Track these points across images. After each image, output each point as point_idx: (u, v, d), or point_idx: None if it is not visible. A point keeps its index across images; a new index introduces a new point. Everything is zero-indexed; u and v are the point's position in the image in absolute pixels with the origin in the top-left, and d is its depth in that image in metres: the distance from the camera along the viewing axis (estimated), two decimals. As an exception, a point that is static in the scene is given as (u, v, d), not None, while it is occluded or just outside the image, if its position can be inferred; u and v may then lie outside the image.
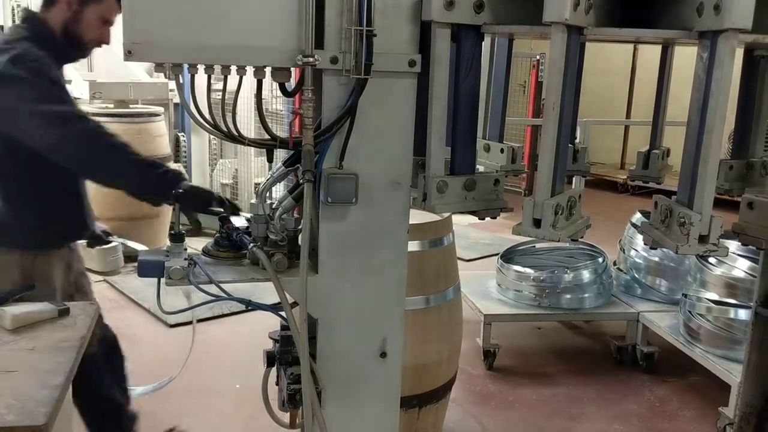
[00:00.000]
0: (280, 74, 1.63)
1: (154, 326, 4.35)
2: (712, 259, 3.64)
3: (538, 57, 8.06)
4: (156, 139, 5.78)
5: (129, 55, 1.50)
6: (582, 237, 1.59)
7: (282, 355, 1.74)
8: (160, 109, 5.83)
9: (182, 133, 6.74)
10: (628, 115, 10.18)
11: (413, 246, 2.73)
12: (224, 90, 1.69)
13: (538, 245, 4.62)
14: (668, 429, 3.40)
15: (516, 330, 4.47)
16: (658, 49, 2.17)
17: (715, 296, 3.55)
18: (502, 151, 2.24)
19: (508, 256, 4.45)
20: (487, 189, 1.75)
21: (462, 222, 6.77)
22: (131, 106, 5.82)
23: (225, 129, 1.64)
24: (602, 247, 4.43)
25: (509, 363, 4.04)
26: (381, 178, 1.70)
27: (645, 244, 1.58)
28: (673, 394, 3.73)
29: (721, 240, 1.41)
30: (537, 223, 1.47)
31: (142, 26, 1.50)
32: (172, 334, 4.24)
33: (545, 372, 3.98)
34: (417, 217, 2.71)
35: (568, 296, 4.07)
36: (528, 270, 4.12)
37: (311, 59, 1.54)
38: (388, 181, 1.70)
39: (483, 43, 1.70)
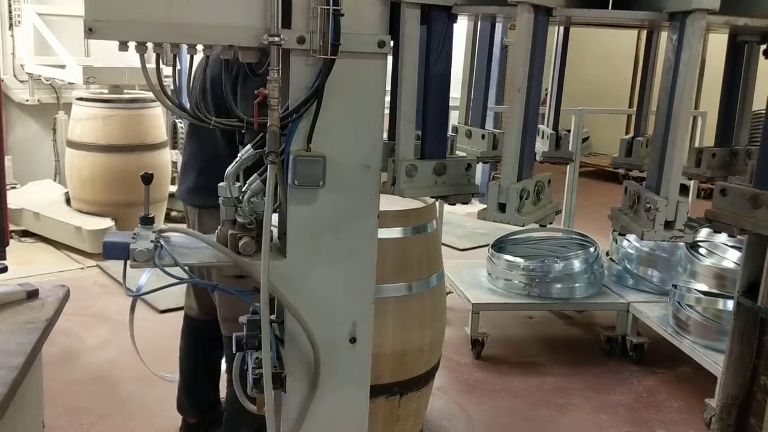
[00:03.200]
0: (248, 54, 1.60)
1: (144, 312, 4.34)
2: (702, 250, 3.61)
3: (538, 46, 7.97)
4: (152, 125, 5.76)
5: (90, 32, 1.47)
6: (551, 222, 1.57)
7: (248, 340, 1.72)
8: (156, 95, 5.79)
9: (179, 120, 6.72)
10: (631, 104, 10.08)
11: (396, 233, 2.71)
12: (190, 69, 1.66)
13: (532, 234, 4.59)
14: (654, 420, 3.38)
15: (507, 319, 4.45)
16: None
17: (704, 287, 3.52)
18: (483, 137, 2.22)
19: (500, 245, 4.42)
20: (459, 174, 1.72)
21: (459, 211, 6.75)
22: (126, 91, 5.80)
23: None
24: (598, 238, 4.40)
25: (498, 352, 4.02)
26: (350, 161, 1.67)
27: (614, 230, 1.56)
28: (662, 385, 3.71)
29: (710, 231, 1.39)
30: (502, 207, 1.45)
31: (104, 3, 1.47)
32: (162, 320, 4.24)
33: (534, 361, 3.96)
34: (400, 203, 2.69)
35: (559, 286, 4.04)
36: (518, 259, 4.10)
37: (277, 39, 1.52)
38: (357, 164, 1.68)
39: (455, 25, 1.68)
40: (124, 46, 1.54)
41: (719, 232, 1.56)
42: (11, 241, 5.88)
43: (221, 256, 1.69)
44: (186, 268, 1.65)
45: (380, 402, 2.73)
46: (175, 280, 1.66)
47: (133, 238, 1.71)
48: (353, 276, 1.76)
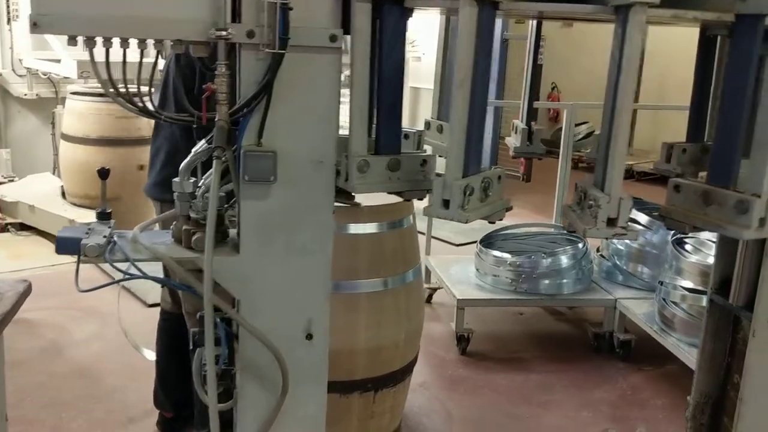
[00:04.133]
0: (199, 48, 1.59)
1: (132, 305, 4.36)
2: (688, 246, 3.57)
3: (536, 40, 7.91)
4: (145, 119, 5.76)
5: (35, 27, 1.47)
6: (501, 219, 1.55)
7: (200, 336, 1.72)
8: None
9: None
10: (636, 99, 9.98)
11: (371, 228, 2.70)
12: (140, 64, 1.65)
13: (521, 230, 4.57)
14: (638, 417, 3.36)
15: (497, 315, 4.44)
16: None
17: (690, 284, 3.48)
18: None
19: (489, 240, 4.40)
20: (414, 169, 1.70)
21: (455, 206, 6.72)
22: (122, 86, 5.80)
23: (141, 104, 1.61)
24: (589, 233, 4.36)
25: (485, 348, 4.00)
26: (303, 156, 1.66)
27: (563, 227, 1.53)
28: (647, 383, 3.68)
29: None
30: (446, 204, 1.43)
31: (50, -3, 1.46)
32: (150, 313, 4.24)
33: (520, 358, 3.94)
34: (378, 198, 2.68)
35: (546, 282, 4.02)
36: (505, 255, 4.08)
37: (224, 33, 1.51)
38: (310, 159, 1.66)
39: (410, 19, 1.65)
40: (72, 41, 1.54)
41: (672, 229, 1.53)
42: (7, 234, 5.93)
43: (173, 252, 1.68)
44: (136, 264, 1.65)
45: (354, 398, 2.72)
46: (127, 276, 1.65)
47: (87, 233, 1.71)
48: (308, 272, 1.75)
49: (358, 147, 1.63)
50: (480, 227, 6.52)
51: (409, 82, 8.74)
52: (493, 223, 1.54)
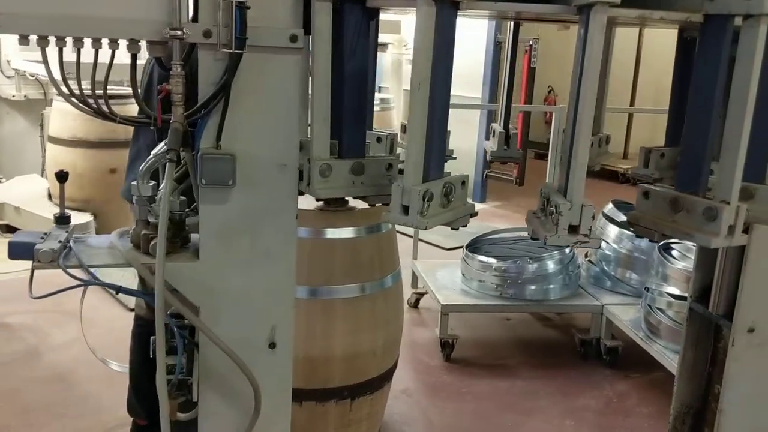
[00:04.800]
0: (156, 48, 1.55)
1: (113, 309, 4.31)
2: (675, 252, 3.53)
3: (531, 42, 7.89)
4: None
5: (-15, 25, 1.42)
6: (465, 225, 1.50)
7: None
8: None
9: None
10: (632, 103, 9.94)
11: (347, 232, 2.65)
12: (95, 64, 1.60)
13: (509, 234, 4.52)
14: (622, 425, 3.31)
15: (483, 321, 4.38)
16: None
17: (676, 290, 3.44)
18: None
19: (475, 245, 4.35)
20: (378, 174, 1.66)
21: (447, 210, 6.67)
22: (110, 88, 5.76)
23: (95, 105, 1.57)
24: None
25: (470, 354, 3.95)
26: (265, 159, 1.61)
27: (527, 234, 1.49)
28: (634, 390, 3.63)
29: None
30: (406, 210, 1.38)
31: (3, -4, 1.42)
32: (130, 318, 4.19)
33: (506, 364, 3.89)
34: (353, 202, 2.63)
35: (533, 287, 3.97)
36: (491, 260, 4.03)
37: (179, 32, 1.46)
38: (272, 162, 1.62)
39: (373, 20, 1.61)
40: (24, 40, 1.50)
41: (641, 237, 1.49)
42: (-7, 237, 5.85)
43: (130, 256, 1.63)
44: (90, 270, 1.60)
45: (331, 406, 2.67)
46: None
47: (42, 238, 1.67)
48: (271, 278, 1.70)
49: (320, 150, 1.59)
50: (473, 231, 6.51)
51: (403, 84, 8.73)
52: (456, 229, 1.49)
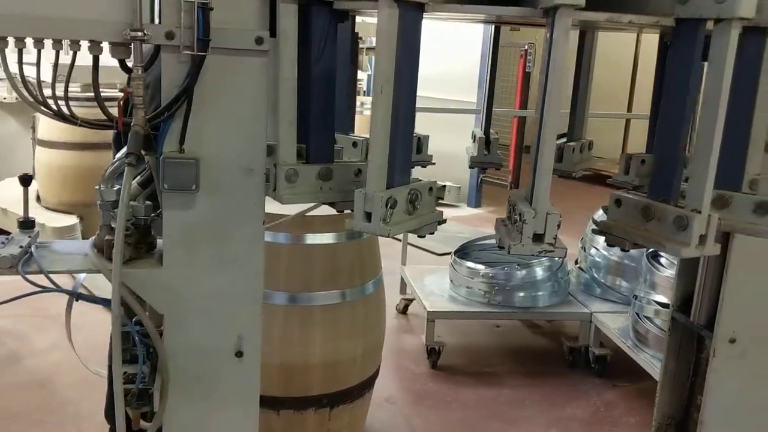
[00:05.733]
0: (119, 50, 1.51)
1: (99, 315, 4.25)
2: (663, 260, 3.49)
3: (525, 47, 7.87)
4: (125, 123, 5.69)
5: (-59, 26, 1.39)
6: (432, 233, 1.46)
7: (124, 352, 1.63)
8: (129, 94, 5.74)
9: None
10: (629, 109, 9.91)
11: (327, 238, 2.61)
12: (55, 66, 1.57)
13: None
14: (608, 435, 3.27)
15: (473, 328, 4.34)
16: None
17: (664, 299, 3.39)
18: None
19: (465, 251, 4.31)
20: (346, 179, 1.62)
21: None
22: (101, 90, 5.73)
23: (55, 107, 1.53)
24: (579, 244, 4.28)
25: (457, 361, 3.91)
26: (230, 164, 1.57)
27: (495, 243, 1.45)
28: (621, 400, 3.58)
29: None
30: (369, 216, 1.34)
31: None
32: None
33: (493, 372, 3.84)
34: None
35: (521, 294, 3.92)
36: (479, 266, 3.99)
37: (140, 34, 1.43)
38: (238, 167, 1.58)
39: (341, 23, 1.58)
40: (-18, 41, 1.46)
41: (612, 246, 1.45)
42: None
43: (91, 264, 1.60)
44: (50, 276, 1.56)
45: (309, 414, 2.63)
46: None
47: (3, 243, 1.63)
48: (237, 285, 1.66)
49: (286, 155, 1.55)
50: (466, 236, 6.45)
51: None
52: (423, 236, 1.45)
